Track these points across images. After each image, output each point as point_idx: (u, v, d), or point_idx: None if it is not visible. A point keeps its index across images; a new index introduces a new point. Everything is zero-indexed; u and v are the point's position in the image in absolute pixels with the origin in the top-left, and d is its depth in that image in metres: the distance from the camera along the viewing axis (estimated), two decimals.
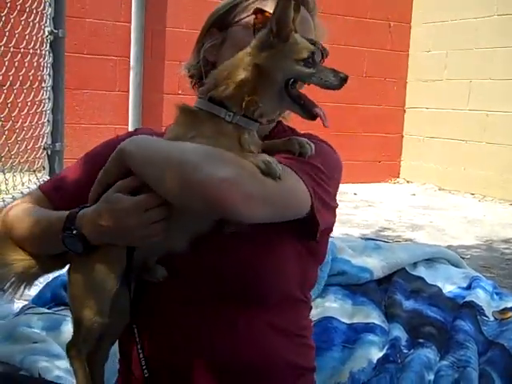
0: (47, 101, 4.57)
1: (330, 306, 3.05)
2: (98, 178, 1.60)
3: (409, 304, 3.19)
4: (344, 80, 1.56)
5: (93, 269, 1.62)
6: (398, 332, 2.87)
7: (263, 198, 1.45)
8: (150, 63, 6.94)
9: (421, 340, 2.82)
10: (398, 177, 8.39)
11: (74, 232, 1.57)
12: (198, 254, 1.62)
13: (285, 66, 1.55)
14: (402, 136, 8.38)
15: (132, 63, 6.85)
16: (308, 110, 1.57)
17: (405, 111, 8.32)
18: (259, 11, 1.74)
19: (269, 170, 1.46)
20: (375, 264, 3.45)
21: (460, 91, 7.66)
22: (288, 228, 1.60)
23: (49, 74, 4.54)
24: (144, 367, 1.64)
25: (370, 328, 2.91)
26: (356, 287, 3.33)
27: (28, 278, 1.76)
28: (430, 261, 3.68)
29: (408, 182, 8.26)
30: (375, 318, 3.01)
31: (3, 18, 3.92)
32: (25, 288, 1.77)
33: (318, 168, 1.62)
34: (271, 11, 1.67)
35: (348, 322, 3.00)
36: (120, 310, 1.67)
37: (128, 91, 6.87)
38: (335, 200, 1.73)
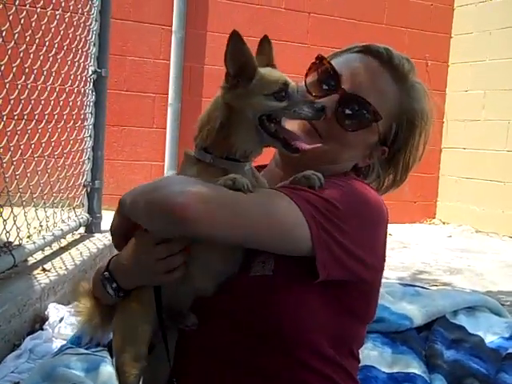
0: (89, 139, 4.63)
1: (368, 354, 3.01)
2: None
3: (450, 354, 3.13)
4: (320, 111, 1.55)
5: (127, 314, 1.67)
6: (440, 383, 2.81)
7: (223, 209, 1.45)
8: (187, 100, 7.02)
9: None
10: (434, 218, 8.30)
11: (106, 274, 1.66)
12: (221, 299, 1.63)
13: (253, 103, 1.54)
14: (438, 176, 8.30)
15: (170, 100, 6.93)
16: (288, 145, 1.56)
17: (441, 151, 8.25)
18: (319, 57, 1.81)
19: (235, 184, 1.46)
20: (415, 311, 3.40)
21: (498, 131, 7.58)
22: (308, 272, 1.55)
23: (91, 113, 4.61)
24: None
25: (411, 378, 2.86)
26: (395, 335, 3.28)
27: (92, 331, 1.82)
28: (471, 309, 3.63)
29: (444, 223, 8.16)
30: (416, 367, 2.96)
31: (50, 59, 4.00)
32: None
33: (328, 202, 1.56)
34: (337, 61, 1.76)
35: (388, 371, 2.95)
36: (160, 359, 1.68)
37: (165, 128, 6.94)
38: (366, 249, 1.63)
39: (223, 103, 1.57)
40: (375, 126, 1.78)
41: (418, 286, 3.97)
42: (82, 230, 4.62)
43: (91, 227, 4.65)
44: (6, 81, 3.39)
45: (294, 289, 1.60)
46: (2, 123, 3.43)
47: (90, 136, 4.63)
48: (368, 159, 1.85)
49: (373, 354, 3.05)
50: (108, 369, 2.79)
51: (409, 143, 1.85)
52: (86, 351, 2.95)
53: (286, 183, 1.64)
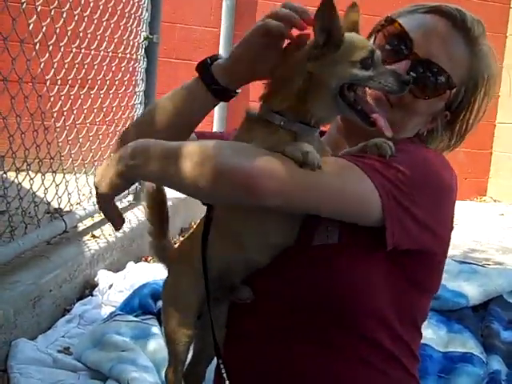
0: (139, 106, 4.60)
1: (423, 332, 2.93)
2: None
3: (508, 335, 3.06)
4: (406, 83, 1.46)
5: (176, 281, 1.68)
6: (498, 365, 2.74)
7: (295, 185, 1.39)
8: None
9: None
10: (485, 195, 8.09)
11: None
12: (279, 271, 1.59)
13: (338, 71, 1.45)
14: (491, 152, 8.08)
15: None
16: (365, 116, 1.48)
17: (495, 126, 8.02)
18: (388, 20, 1.73)
19: (305, 160, 1.38)
20: (472, 290, 3.32)
21: None
22: (374, 241, 1.51)
23: (142, 79, 4.57)
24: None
25: (467, 358, 2.79)
26: (450, 313, 3.21)
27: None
28: None
29: (495, 201, 7.94)
30: (472, 347, 2.89)
31: (104, 23, 3.97)
32: None
33: (399, 171, 1.50)
34: (407, 23, 1.67)
35: (443, 350, 2.89)
36: (209, 328, 1.64)
37: None
38: (436, 220, 1.58)
39: (306, 72, 1.48)
40: (447, 92, 1.71)
41: (474, 263, 3.87)
42: (130, 197, 4.62)
43: (140, 195, 4.63)
44: (61, 45, 3.37)
45: (359, 258, 1.56)
46: (56, 88, 3.41)
47: (140, 103, 4.60)
48: (430, 124, 1.79)
49: (427, 332, 2.97)
50: (157, 337, 2.78)
51: (472, 107, 1.79)
52: (135, 319, 2.96)
53: (354, 150, 1.59)
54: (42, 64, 3.15)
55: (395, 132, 1.66)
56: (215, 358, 1.71)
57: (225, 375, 1.61)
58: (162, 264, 1.81)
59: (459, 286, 3.32)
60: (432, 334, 2.99)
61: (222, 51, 6.82)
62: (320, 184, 1.43)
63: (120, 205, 4.47)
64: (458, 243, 5.52)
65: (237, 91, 1.65)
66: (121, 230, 3.91)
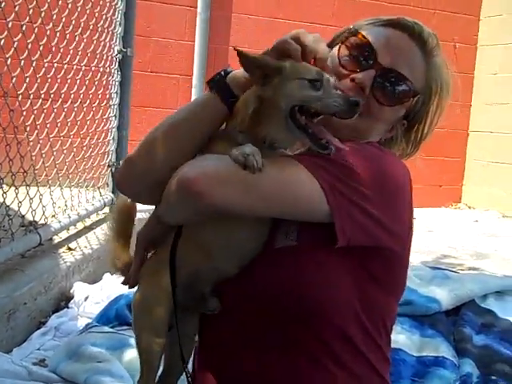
0: (113, 119, 4.62)
1: (396, 337, 2.97)
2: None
3: (479, 339, 3.10)
4: (355, 105, 1.49)
5: (147, 291, 1.69)
6: (470, 368, 2.79)
7: (236, 183, 1.45)
8: None
9: (493, 377, 2.73)
10: (460, 202, 8.19)
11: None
12: (245, 276, 1.62)
13: (287, 91, 1.49)
14: (465, 160, 8.18)
15: (194, 81, 6.89)
16: (316, 140, 1.50)
17: (468, 135, 8.13)
18: (353, 30, 1.76)
19: (246, 162, 1.43)
20: (444, 295, 3.37)
21: None
22: (333, 240, 1.52)
23: (116, 92, 4.59)
24: None
25: (439, 362, 2.83)
26: (423, 318, 3.25)
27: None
28: (501, 293, 3.58)
29: (470, 207, 8.04)
30: (445, 351, 2.93)
31: (77, 38, 3.99)
32: None
33: (345, 167, 1.52)
34: (369, 35, 1.71)
35: (416, 354, 2.93)
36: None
37: None
38: (391, 215, 1.59)
39: (257, 95, 1.53)
40: (410, 100, 1.76)
41: (447, 270, 3.93)
42: (106, 209, 4.62)
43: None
44: (32, 59, 3.38)
45: (318, 256, 1.58)
46: (29, 102, 3.42)
47: (114, 116, 4.62)
48: (389, 132, 1.82)
49: (401, 337, 3.03)
50: (133, 347, 2.79)
51: (427, 116, 1.84)
52: (111, 330, 2.96)
53: (303, 151, 1.63)
54: (14, 79, 3.16)
55: (360, 138, 1.71)
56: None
57: None
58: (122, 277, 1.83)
59: (432, 291, 3.37)
60: (405, 338, 3.04)
61: (197, 64, 6.86)
62: (259, 182, 1.46)
63: (96, 217, 4.48)
64: (434, 249, 5.59)
65: None
66: (97, 241, 3.92)
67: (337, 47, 1.78)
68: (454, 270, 4.20)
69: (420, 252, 5.39)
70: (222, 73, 1.64)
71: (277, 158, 1.55)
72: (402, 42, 1.74)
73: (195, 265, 1.62)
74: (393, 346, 2.84)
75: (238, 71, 1.62)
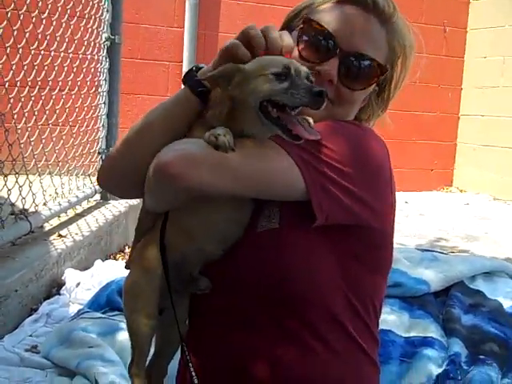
0: (103, 106, 4.62)
1: (386, 319, 3.00)
2: None
3: (468, 319, 3.12)
4: (319, 95, 1.45)
5: (137, 273, 1.70)
6: (458, 348, 2.81)
7: (210, 164, 1.46)
8: None
9: (481, 356, 2.75)
10: (451, 185, 8.22)
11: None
12: (231, 259, 1.63)
13: (253, 88, 1.49)
14: (456, 144, 8.21)
15: (184, 68, 6.87)
16: (288, 131, 1.48)
17: (459, 118, 8.15)
18: (307, 20, 1.72)
19: (217, 142, 1.45)
20: (433, 276, 3.39)
21: None
22: (313, 220, 1.53)
23: (105, 80, 4.59)
24: (194, 378, 1.64)
25: (428, 342, 2.85)
26: (413, 299, 3.27)
27: None
28: (489, 274, 3.61)
29: (461, 191, 8.08)
30: (433, 331, 2.95)
31: (63, 25, 3.98)
32: None
33: (321, 144, 1.52)
34: (324, 20, 1.68)
35: (405, 335, 2.95)
36: (171, 323, 1.69)
37: None
38: (371, 192, 1.59)
39: (227, 95, 1.54)
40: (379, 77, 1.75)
41: (436, 251, 3.95)
42: (97, 196, 4.63)
43: (106, 194, 4.65)
44: (19, 46, 3.37)
45: (299, 238, 1.58)
46: (16, 90, 3.42)
47: (104, 103, 4.62)
48: (363, 102, 1.81)
49: (390, 318, 3.05)
50: (124, 332, 2.80)
51: (393, 77, 1.82)
52: (102, 315, 2.98)
53: None
54: (0, 66, 3.15)
55: None
56: (178, 353, 1.76)
57: (192, 369, 1.63)
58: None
59: (421, 273, 3.39)
60: (395, 319, 3.06)
61: (187, 50, 6.85)
62: (232, 162, 1.46)
63: (87, 204, 4.49)
64: (424, 233, 5.62)
65: None
66: (88, 228, 3.93)
67: (293, 36, 1.71)
68: (445, 252, 4.22)
69: (412, 236, 5.43)
70: (194, 68, 1.65)
71: (254, 139, 1.54)
72: (358, 18, 1.69)
73: (180, 247, 1.64)
74: (382, 327, 2.90)
75: (208, 67, 1.62)
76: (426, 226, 5.95)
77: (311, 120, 1.58)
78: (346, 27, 1.68)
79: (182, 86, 1.65)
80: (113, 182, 1.80)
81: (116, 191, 1.94)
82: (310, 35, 1.70)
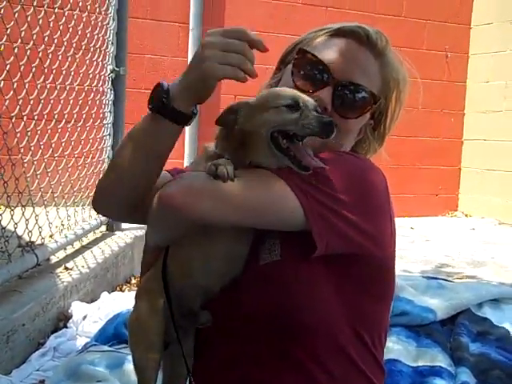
0: (108, 137, 4.65)
1: (393, 348, 2.99)
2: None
3: (476, 347, 3.11)
4: (328, 124, 1.50)
5: (140, 309, 1.70)
6: (466, 376, 2.80)
7: (211, 194, 1.49)
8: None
9: None
10: (456, 210, 8.22)
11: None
12: (233, 294, 1.63)
13: (264, 118, 1.53)
14: (460, 168, 8.22)
15: None
16: (297, 162, 1.52)
17: (462, 143, 8.18)
18: (301, 51, 1.76)
19: (217, 172, 1.48)
20: (439, 304, 3.39)
21: None
22: (314, 251, 1.53)
23: (110, 111, 4.63)
24: None
25: (436, 371, 2.84)
26: (419, 328, 3.26)
27: None
28: (496, 301, 3.60)
29: (466, 215, 8.07)
30: (441, 361, 2.94)
31: (69, 58, 4.02)
32: None
33: (319, 174, 1.54)
34: (318, 51, 1.73)
35: (413, 364, 2.94)
36: (177, 356, 1.69)
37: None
38: (370, 221, 1.60)
39: (238, 129, 1.57)
40: (373, 106, 1.77)
41: (442, 279, 3.95)
42: (103, 228, 4.64)
43: (112, 225, 4.66)
44: (25, 81, 3.42)
45: (304, 269, 1.58)
46: (23, 123, 3.45)
47: (109, 135, 4.65)
48: (358, 135, 1.84)
49: (397, 347, 3.04)
50: (132, 365, 2.80)
51: (389, 111, 1.84)
52: (109, 348, 2.97)
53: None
54: (7, 101, 3.19)
55: None
56: None
57: None
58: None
59: (426, 301, 3.39)
60: (402, 349, 3.05)
61: None
62: (231, 194, 1.49)
63: (93, 235, 4.50)
64: (430, 258, 5.60)
65: (194, 112, 1.63)
66: (94, 260, 3.94)
67: (289, 69, 1.78)
68: (451, 278, 4.21)
69: (417, 262, 5.41)
70: (160, 88, 1.67)
71: (253, 170, 1.57)
72: (352, 49, 1.74)
73: (179, 282, 1.65)
74: (390, 356, 2.90)
75: (173, 84, 1.65)
76: (432, 251, 5.94)
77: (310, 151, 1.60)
78: (340, 57, 1.72)
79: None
80: (103, 204, 1.81)
81: (108, 213, 2.02)
82: (305, 65, 1.75)
